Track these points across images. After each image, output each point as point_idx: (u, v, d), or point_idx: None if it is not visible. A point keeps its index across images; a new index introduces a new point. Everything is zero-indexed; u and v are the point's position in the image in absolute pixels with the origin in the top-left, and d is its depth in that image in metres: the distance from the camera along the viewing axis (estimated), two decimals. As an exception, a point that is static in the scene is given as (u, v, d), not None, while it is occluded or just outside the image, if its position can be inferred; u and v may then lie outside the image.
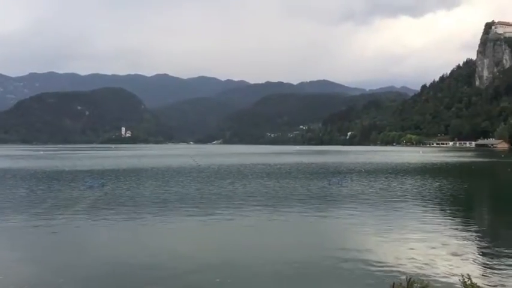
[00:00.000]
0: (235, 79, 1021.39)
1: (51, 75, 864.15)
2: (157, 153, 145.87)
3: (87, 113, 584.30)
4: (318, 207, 26.83)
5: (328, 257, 15.61)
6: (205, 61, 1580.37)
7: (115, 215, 23.97)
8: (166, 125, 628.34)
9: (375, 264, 14.53)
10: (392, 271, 13.55)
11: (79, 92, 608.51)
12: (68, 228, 20.85)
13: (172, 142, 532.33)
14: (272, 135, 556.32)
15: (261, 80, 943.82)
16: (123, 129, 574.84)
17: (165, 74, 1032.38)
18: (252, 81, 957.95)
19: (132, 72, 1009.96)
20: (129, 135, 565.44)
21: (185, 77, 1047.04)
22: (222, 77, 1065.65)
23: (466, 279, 5.23)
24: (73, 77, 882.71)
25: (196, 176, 48.26)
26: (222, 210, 25.47)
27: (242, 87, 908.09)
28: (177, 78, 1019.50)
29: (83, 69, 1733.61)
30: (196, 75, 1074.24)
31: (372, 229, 20.30)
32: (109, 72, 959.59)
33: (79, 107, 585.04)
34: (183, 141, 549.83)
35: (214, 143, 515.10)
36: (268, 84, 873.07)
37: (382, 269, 14.03)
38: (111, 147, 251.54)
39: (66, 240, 18.95)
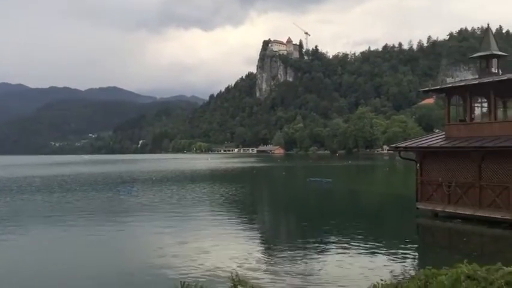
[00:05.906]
0: (13, 82, 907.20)
1: None
2: None
3: None
4: (107, 220, 24.82)
5: (124, 272, 14.35)
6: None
7: None
8: None
9: (164, 270, 13.99)
10: (181, 275, 12.69)
11: None
12: None
13: None
14: (57, 144, 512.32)
15: (44, 85, 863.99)
16: None
17: None
18: (32, 85, 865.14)
19: None
20: None
21: None
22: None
23: (234, 276, 5.80)
24: None
25: None
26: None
27: (21, 91, 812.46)
28: None
29: None
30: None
31: (165, 237, 19.67)
32: None
33: None
34: None
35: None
36: (53, 89, 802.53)
37: (172, 274, 13.03)
38: None
39: None
